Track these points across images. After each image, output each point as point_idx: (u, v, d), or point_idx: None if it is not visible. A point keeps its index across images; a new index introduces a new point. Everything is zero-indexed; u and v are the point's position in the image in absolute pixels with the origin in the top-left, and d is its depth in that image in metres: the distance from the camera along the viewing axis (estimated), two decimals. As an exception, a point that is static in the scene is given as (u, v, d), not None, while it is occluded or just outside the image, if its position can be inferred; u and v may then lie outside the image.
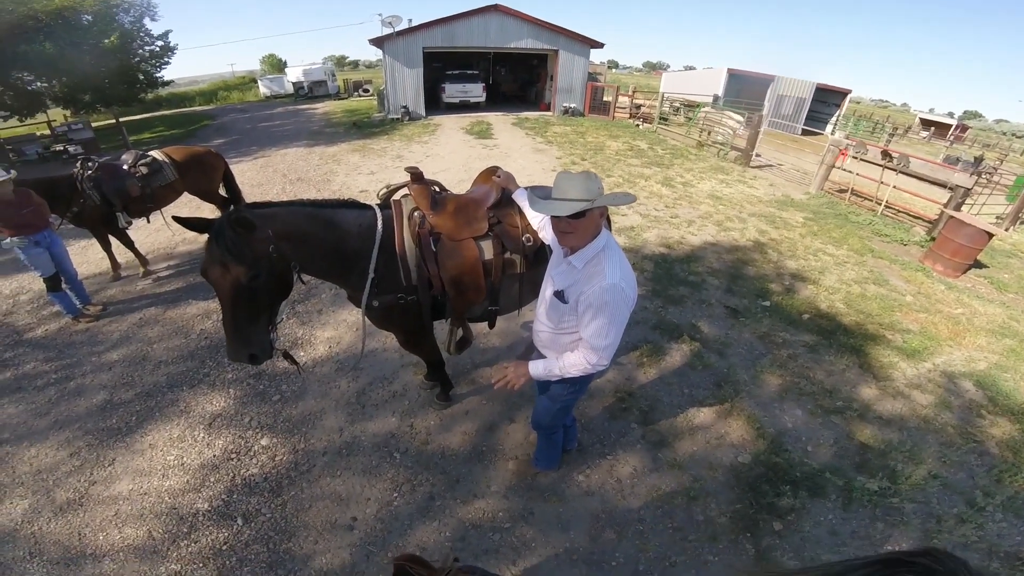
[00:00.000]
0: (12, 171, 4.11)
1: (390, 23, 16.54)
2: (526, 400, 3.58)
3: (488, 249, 2.59)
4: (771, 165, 11.81)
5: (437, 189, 2.67)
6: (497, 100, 22.84)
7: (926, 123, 33.77)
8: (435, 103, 19.03)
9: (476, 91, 19.22)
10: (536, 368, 2.05)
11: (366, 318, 2.61)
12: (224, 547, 2.63)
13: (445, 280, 2.55)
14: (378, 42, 16.80)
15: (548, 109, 19.70)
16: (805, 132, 19.91)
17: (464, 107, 19.37)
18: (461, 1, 17.59)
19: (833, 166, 9.66)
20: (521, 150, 12.24)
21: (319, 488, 2.95)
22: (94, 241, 5.43)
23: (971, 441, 3.41)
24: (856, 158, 9.94)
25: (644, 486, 2.96)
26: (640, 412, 3.50)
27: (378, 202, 2.68)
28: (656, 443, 3.26)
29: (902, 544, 2.68)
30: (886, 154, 11.82)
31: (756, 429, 3.39)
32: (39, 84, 17.75)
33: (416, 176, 2.59)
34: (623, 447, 3.22)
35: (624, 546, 2.62)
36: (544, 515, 2.78)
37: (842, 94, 22.04)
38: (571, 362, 1.93)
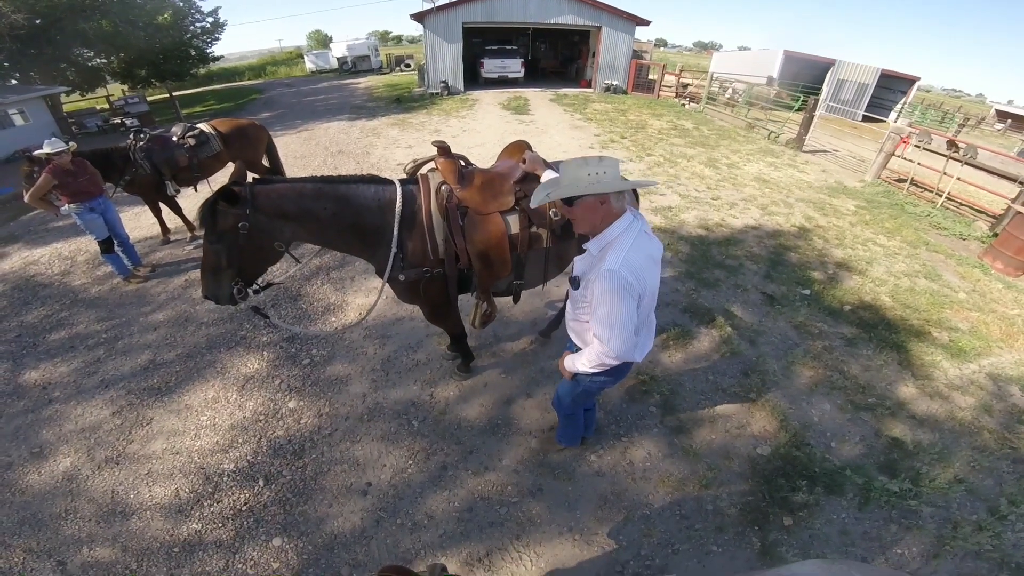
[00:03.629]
0: (72, 143, 4.47)
1: (431, -2, 16.43)
2: (545, 376, 3.59)
3: (515, 223, 2.58)
4: (826, 151, 11.14)
5: (463, 163, 2.65)
6: (536, 76, 22.44)
7: (1003, 115, 30.78)
8: (474, 78, 18.93)
9: (514, 67, 18.97)
10: (570, 363, 2.08)
11: (392, 289, 2.65)
12: (244, 508, 2.75)
13: (472, 254, 2.55)
14: (419, 17, 16.71)
15: (589, 86, 19.24)
16: (866, 119, 18.68)
17: (503, 82, 19.18)
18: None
19: (892, 154, 9.03)
20: (558, 126, 12.02)
21: (339, 452, 3.06)
22: (146, 208, 5.73)
23: (1007, 447, 3.19)
24: (919, 147, 9.26)
25: (656, 472, 2.93)
26: (661, 396, 3.44)
27: (403, 176, 2.69)
28: (674, 429, 3.21)
29: (912, 549, 2.56)
30: (953, 144, 10.94)
31: (780, 421, 3.28)
32: (98, 60, 18.65)
33: (443, 150, 2.58)
34: (639, 430, 3.19)
35: (629, 529, 2.62)
36: (553, 492, 2.80)
37: (909, 81, 20.52)
38: (589, 353, 1.88)
